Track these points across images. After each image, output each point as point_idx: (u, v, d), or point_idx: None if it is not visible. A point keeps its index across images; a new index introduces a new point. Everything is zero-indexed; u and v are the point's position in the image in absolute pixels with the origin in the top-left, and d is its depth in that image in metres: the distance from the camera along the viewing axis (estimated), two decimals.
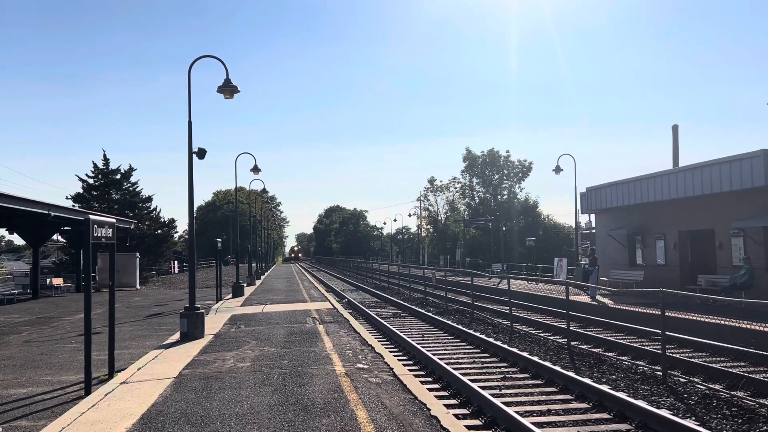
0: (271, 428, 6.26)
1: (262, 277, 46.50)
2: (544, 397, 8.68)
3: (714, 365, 10.10)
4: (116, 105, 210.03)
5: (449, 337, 14.80)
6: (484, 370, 10.71)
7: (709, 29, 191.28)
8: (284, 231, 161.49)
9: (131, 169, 49.14)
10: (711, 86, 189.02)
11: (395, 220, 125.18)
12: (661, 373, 9.75)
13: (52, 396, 8.44)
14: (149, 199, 50.20)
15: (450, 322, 16.57)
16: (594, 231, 36.77)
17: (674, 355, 10.96)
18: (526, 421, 6.78)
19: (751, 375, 9.19)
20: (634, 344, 12.50)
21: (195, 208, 14.89)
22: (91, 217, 8.60)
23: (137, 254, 35.81)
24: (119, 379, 8.95)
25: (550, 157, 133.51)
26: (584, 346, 12.87)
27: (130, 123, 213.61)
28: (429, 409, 6.91)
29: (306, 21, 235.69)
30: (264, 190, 42.66)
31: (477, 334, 14.17)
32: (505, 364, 11.15)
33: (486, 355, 12.24)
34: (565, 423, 7.40)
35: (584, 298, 21.04)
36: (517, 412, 7.23)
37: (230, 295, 26.33)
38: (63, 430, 6.40)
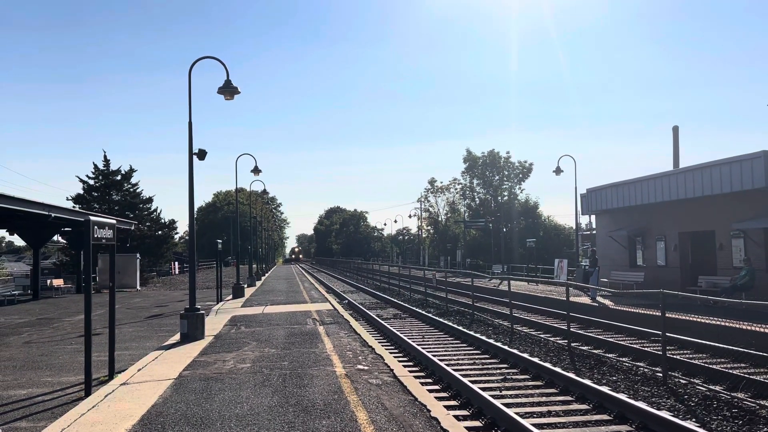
0: (271, 429, 6.25)
1: (263, 278, 46.49)
2: (544, 399, 8.68)
3: (714, 366, 10.09)
4: (117, 106, 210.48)
5: (450, 339, 14.79)
6: (485, 372, 10.70)
7: (710, 30, 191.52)
8: (285, 232, 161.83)
9: (132, 170, 49.22)
10: (711, 87, 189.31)
11: (396, 221, 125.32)
12: (661, 375, 9.75)
13: (52, 397, 8.43)
14: (150, 200, 50.25)
15: (450, 324, 16.56)
16: (594, 232, 36.75)
17: (675, 357, 10.95)
18: (526, 423, 6.77)
19: (751, 376, 9.18)
20: (635, 345, 12.48)
21: (195, 210, 14.89)
22: (92, 218, 8.60)
23: (138, 255, 35.81)
24: (119, 380, 8.95)
25: (551, 158, 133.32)
26: (585, 348, 12.86)
27: (131, 124, 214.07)
28: (429, 411, 6.90)
29: (307, 23, 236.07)
30: (264, 191, 43.00)
31: (477, 335, 14.16)
32: (505, 366, 11.14)
33: (486, 356, 12.23)
34: (566, 424, 7.39)
35: (585, 300, 21.02)
36: (517, 414, 7.22)
37: (230, 296, 26.34)
38: (63, 431, 6.40)
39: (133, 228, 37.07)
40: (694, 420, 7.56)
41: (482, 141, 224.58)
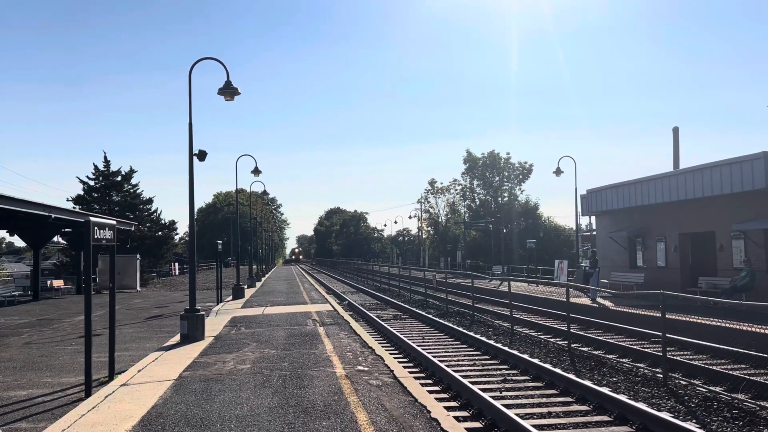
0: (272, 430, 6.25)
1: (263, 279, 46.48)
2: (544, 400, 8.68)
3: (715, 367, 10.10)
4: (117, 107, 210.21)
5: (450, 340, 14.79)
6: (485, 373, 10.70)
7: (710, 31, 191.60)
8: (285, 233, 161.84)
9: (132, 171, 49.26)
10: (712, 88, 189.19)
11: (396, 222, 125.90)
12: (661, 376, 9.75)
13: (53, 398, 8.43)
14: (150, 201, 50.29)
15: (450, 324, 16.56)
16: (594, 233, 36.76)
17: (675, 358, 10.96)
18: (526, 424, 6.77)
19: (752, 377, 9.18)
20: (635, 346, 12.49)
21: (195, 210, 14.90)
22: (92, 219, 8.60)
23: (138, 256, 35.82)
24: (119, 381, 8.95)
25: (551, 159, 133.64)
26: (585, 349, 12.86)
27: (131, 125, 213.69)
28: (429, 412, 6.90)
29: (308, 24, 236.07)
30: (265, 192, 43.23)
31: (477, 336, 14.17)
32: (505, 367, 11.14)
33: (486, 357, 12.23)
34: (566, 425, 7.39)
35: (585, 301, 21.02)
36: (517, 415, 7.23)
37: (231, 297, 26.34)
38: (63, 431, 6.40)
39: (133, 229, 37.08)
40: (694, 421, 7.56)
41: (482, 141, 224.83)
